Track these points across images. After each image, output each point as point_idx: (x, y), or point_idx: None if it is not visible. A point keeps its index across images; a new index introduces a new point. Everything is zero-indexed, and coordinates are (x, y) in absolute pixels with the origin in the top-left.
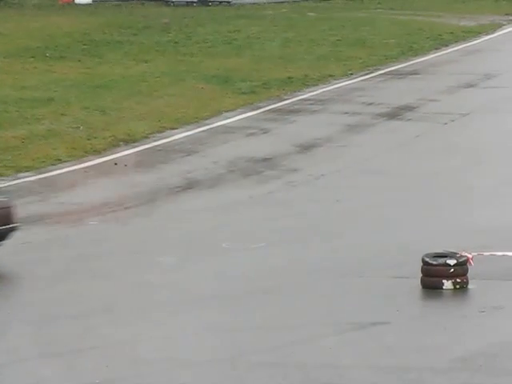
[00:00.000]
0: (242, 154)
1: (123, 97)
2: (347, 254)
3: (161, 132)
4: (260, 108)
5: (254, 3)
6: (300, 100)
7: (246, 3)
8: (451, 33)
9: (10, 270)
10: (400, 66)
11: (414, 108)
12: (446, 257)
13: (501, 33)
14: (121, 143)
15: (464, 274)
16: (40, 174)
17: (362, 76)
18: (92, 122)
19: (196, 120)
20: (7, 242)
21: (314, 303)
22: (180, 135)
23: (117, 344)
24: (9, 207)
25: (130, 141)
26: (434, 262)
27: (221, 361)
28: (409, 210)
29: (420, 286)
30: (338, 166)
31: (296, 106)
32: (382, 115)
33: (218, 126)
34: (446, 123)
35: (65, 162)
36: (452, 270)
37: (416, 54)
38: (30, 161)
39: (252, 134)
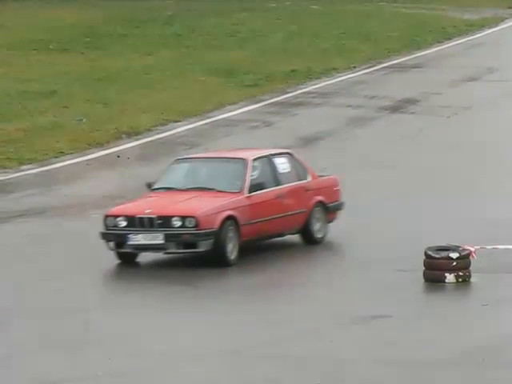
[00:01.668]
0: (245, 147)
1: (126, 89)
2: (349, 247)
3: (164, 125)
4: (263, 101)
5: None
6: (303, 93)
7: None
8: (454, 26)
9: (12, 262)
10: (403, 60)
11: (417, 101)
12: (448, 250)
13: (504, 26)
14: (123, 136)
15: (466, 267)
16: (43, 166)
17: (365, 69)
18: (95, 115)
19: (199, 113)
20: (11, 234)
21: (315, 296)
22: (183, 128)
23: (120, 337)
24: None
25: (133, 133)
26: (437, 256)
27: (222, 354)
28: (412, 203)
29: (422, 280)
30: (340, 159)
31: (299, 99)
32: (385, 108)
33: (221, 119)
34: (448, 116)
35: (67, 154)
36: (454, 263)
37: (419, 47)
38: (32, 153)
39: (255, 127)
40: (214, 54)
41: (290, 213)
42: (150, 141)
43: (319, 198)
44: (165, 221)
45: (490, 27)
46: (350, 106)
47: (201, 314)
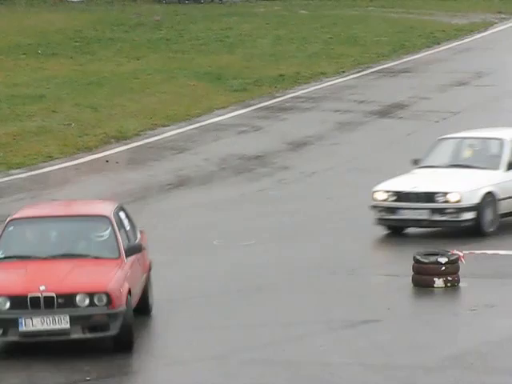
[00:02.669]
0: (233, 152)
1: (115, 94)
2: (338, 251)
3: (152, 129)
4: (252, 105)
5: (245, 1)
6: (292, 98)
7: (237, 1)
8: (443, 31)
9: None
10: (392, 64)
11: (406, 106)
12: (437, 255)
13: (493, 31)
14: (112, 140)
15: (455, 272)
16: (31, 170)
17: (353, 74)
18: (83, 119)
19: (187, 117)
20: None
21: (304, 301)
22: (171, 132)
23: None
24: None
25: (122, 138)
26: (426, 260)
27: (212, 358)
28: None
29: (411, 284)
30: (329, 163)
31: (288, 104)
32: (373, 113)
33: (210, 124)
34: (437, 121)
35: (56, 158)
36: (443, 268)
37: (408, 51)
38: (21, 157)
39: (243, 132)
40: (203, 59)
41: (142, 279)
42: (139, 145)
43: (149, 258)
44: (67, 299)
45: (479, 32)
46: (338, 110)
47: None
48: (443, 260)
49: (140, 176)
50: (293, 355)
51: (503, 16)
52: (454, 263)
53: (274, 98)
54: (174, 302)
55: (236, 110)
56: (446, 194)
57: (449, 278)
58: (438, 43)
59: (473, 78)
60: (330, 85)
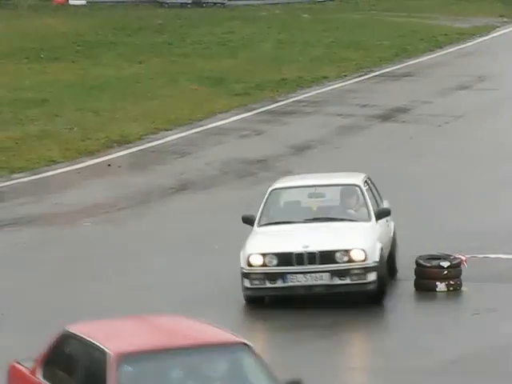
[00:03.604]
0: (235, 156)
1: (117, 98)
2: None
3: (154, 133)
4: (254, 109)
5: (248, 4)
6: (294, 101)
7: (239, 4)
8: (445, 35)
9: (3, 270)
10: (394, 68)
11: (408, 110)
12: (439, 259)
13: (495, 35)
14: (114, 144)
15: (457, 276)
16: (34, 174)
17: (355, 78)
18: (86, 123)
19: (190, 121)
20: (2, 243)
21: (304, 304)
22: (173, 136)
23: None
24: None
25: (124, 142)
26: (428, 264)
27: None
28: (402, 212)
29: (413, 288)
30: (331, 167)
31: (290, 108)
32: (375, 117)
33: (212, 128)
34: (439, 125)
35: (58, 163)
36: (445, 272)
37: (410, 55)
38: (23, 162)
39: (246, 136)
40: (205, 63)
41: None
42: (141, 149)
43: None
44: None
45: (481, 36)
46: (340, 114)
47: None
48: (445, 264)
49: (142, 180)
50: (293, 358)
51: (505, 20)
52: (456, 267)
53: (276, 102)
54: (174, 304)
55: (238, 113)
56: (347, 251)
57: (451, 282)
58: (441, 47)
59: (475, 82)
60: (332, 89)
